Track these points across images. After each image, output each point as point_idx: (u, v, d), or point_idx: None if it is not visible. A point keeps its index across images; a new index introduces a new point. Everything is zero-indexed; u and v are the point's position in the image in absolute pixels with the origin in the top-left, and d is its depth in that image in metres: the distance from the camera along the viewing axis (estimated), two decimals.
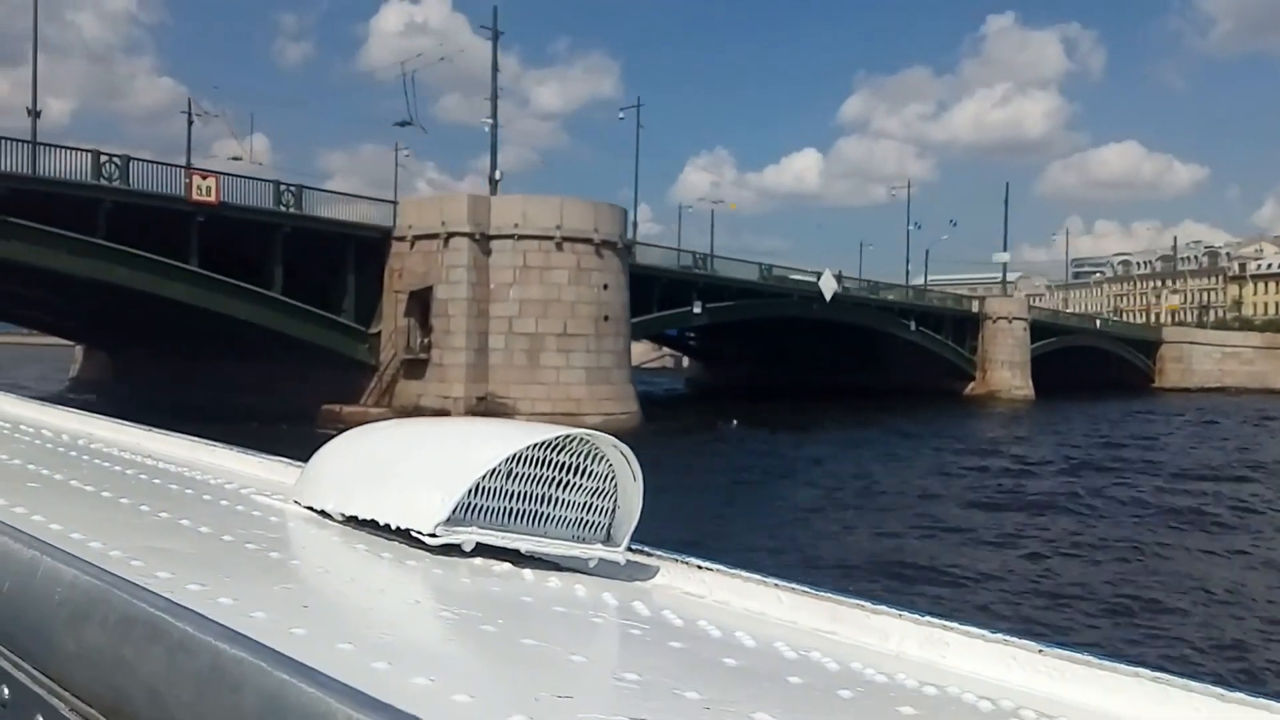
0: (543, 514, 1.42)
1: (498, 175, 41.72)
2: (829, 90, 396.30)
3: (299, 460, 1.81)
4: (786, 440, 32.72)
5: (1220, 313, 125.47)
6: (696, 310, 46.24)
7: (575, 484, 1.44)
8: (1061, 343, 71.25)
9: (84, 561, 0.91)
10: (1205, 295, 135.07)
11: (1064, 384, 63.01)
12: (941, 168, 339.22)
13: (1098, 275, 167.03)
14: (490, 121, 42.52)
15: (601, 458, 1.46)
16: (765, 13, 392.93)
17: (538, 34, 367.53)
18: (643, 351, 75.61)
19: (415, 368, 35.41)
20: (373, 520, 1.42)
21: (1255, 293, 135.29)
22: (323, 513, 1.54)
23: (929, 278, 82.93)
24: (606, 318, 36.39)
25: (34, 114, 36.05)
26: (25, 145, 32.04)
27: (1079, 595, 13.38)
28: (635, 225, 47.05)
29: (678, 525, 16.03)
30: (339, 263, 36.74)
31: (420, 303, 35.72)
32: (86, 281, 31.39)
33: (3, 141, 31.20)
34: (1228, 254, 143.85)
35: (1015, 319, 65.09)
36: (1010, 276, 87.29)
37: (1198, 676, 1.02)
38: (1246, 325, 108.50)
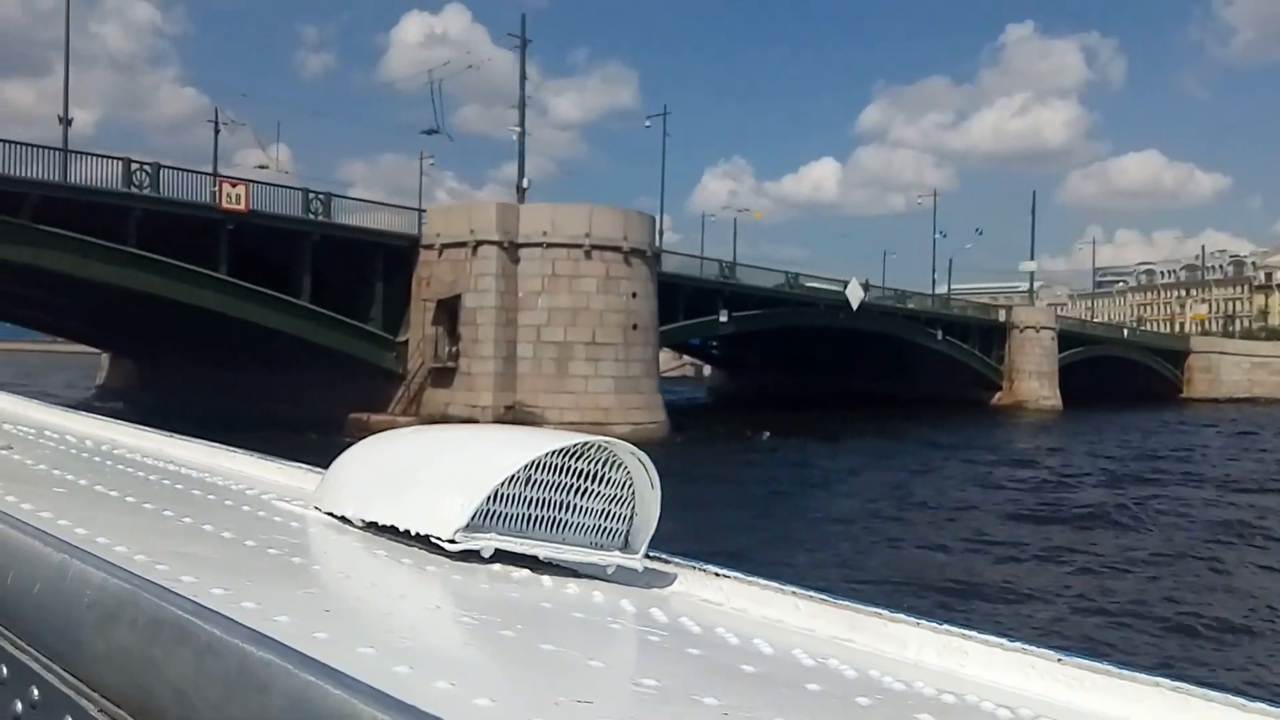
0: (561, 521, 1.43)
1: (525, 184, 41.62)
2: (847, 99, 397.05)
3: (322, 467, 1.81)
4: (818, 450, 32.35)
5: (1246, 322, 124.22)
6: (723, 319, 45.95)
7: (593, 491, 1.45)
8: (1089, 352, 70.46)
9: (113, 564, 0.92)
10: (1231, 305, 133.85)
11: (1091, 394, 62.43)
12: (960, 177, 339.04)
13: (1120, 284, 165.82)
14: (518, 129, 42.51)
15: (619, 465, 1.46)
16: (783, 23, 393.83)
17: (556, 45, 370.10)
18: (663, 360, 75.13)
19: (443, 376, 35.27)
20: (393, 526, 1.44)
21: None
22: (343, 519, 1.56)
23: (951, 286, 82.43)
24: (635, 326, 36.15)
25: (65, 122, 36.04)
26: (56, 153, 32.04)
27: (1139, 613, 12.98)
28: (662, 234, 46.86)
29: (714, 537, 15.77)
30: (367, 271, 36.70)
31: (448, 311, 35.61)
32: (115, 289, 31.42)
33: (35, 149, 31.27)
34: (1253, 263, 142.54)
35: (1043, 328, 64.46)
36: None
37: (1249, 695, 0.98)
38: (1274, 335, 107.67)
